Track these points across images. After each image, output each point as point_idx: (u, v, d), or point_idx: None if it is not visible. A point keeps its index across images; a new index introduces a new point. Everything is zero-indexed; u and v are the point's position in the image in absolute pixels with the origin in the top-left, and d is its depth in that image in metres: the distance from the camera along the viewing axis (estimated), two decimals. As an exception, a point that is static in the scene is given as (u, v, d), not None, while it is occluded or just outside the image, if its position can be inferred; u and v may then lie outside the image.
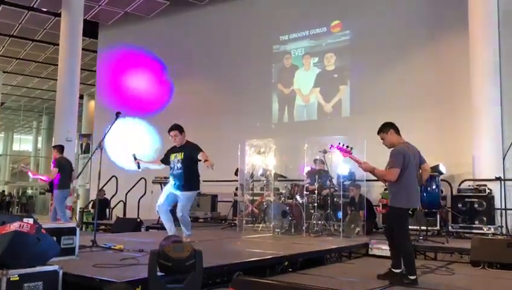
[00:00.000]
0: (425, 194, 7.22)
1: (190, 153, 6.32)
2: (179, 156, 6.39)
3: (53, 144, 11.61)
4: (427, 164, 4.91)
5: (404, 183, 4.57)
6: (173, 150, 6.53)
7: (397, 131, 4.83)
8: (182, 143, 6.43)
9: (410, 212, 4.84)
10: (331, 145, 5.18)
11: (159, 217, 7.28)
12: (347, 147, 5.01)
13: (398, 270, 4.61)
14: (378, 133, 4.89)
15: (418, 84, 9.94)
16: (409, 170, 4.58)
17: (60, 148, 8.59)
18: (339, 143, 5.10)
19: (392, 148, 4.75)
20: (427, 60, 9.99)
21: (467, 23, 8.74)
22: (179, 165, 6.34)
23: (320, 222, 8.08)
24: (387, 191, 8.40)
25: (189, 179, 6.32)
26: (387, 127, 4.83)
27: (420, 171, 4.80)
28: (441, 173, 8.02)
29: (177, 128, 6.43)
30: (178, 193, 6.34)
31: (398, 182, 4.57)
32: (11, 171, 34.53)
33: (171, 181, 6.43)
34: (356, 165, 4.99)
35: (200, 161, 6.23)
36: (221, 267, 4.47)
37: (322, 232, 7.93)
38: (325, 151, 8.24)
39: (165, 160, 6.60)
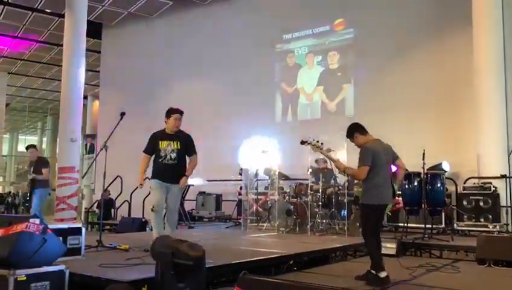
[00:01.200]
0: (430, 192, 7.22)
1: (186, 145, 5.71)
2: (174, 145, 5.63)
3: (57, 145, 11.68)
4: (401, 161, 4.87)
5: (374, 180, 4.57)
6: (163, 136, 5.70)
7: (362, 132, 4.82)
8: (177, 129, 5.74)
9: (388, 212, 4.83)
10: (302, 141, 5.26)
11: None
12: (317, 141, 5.05)
13: (383, 274, 4.47)
14: (347, 137, 4.89)
15: (422, 81, 9.91)
16: (378, 167, 4.57)
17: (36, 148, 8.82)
18: (309, 137, 5.12)
19: (360, 149, 4.73)
20: (430, 57, 9.96)
21: (471, 20, 8.71)
22: (173, 155, 5.61)
23: (324, 221, 8.08)
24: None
25: (183, 171, 5.67)
26: (352, 133, 4.83)
27: (394, 168, 4.78)
28: (445, 171, 8.00)
29: (182, 113, 5.78)
30: (169, 185, 5.61)
31: (368, 179, 4.58)
32: (16, 172, 34.70)
33: (161, 173, 5.61)
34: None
35: (190, 159, 5.72)
36: (227, 267, 4.49)
37: (327, 231, 7.93)
38: (328, 150, 8.20)
39: (151, 149, 5.76)
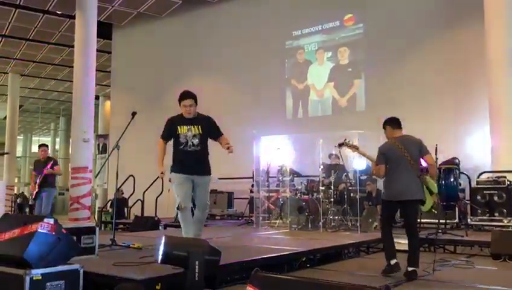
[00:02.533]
0: (443, 187, 7.16)
1: (209, 128, 5.20)
2: (195, 129, 5.11)
3: (70, 145, 11.79)
4: (429, 156, 4.86)
5: (389, 176, 4.78)
6: (181, 121, 5.19)
7: (393, 126, 4.97)
8: (194, 114, 5.25)
9: (433, 210, 4.93)
10: (339, 143, 5.64)
11: (176, 215, 6.26)
12: (353, 142, 5.52)
13: (393, 261, 4.64)
14: (383, 127, 5.10)
15: (434, 75, 9.82)
16: (392, 163, 4.73)
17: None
18: (345, 140, 5.54)
19: None
20: (442, 51, 9.86)
21: (482, 12, 8.59)
22: (196, 141, 5.06)
23: (337, 217, 8.05)
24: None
25: (207, 159, 5.18)
26: (384, 125, 5.05)
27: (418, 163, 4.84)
28: (458, 165, 7.93)
29: (194, 96, 5.24)
30: (195, 177, 5.05)
31: (386, 176, 4.81)
32: (30, 173, 35.06)
33: (184, 164, 5.06)
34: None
35: (219, 141, 5.19)
36: (239, 264, 4.49)
37: (339, 228, 7.91)
38: (340, 146, 8.19)
39: (167, 134, 5.22)
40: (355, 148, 5.35)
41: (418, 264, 4.56)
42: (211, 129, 5.22)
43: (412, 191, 4.65)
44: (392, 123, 4.99)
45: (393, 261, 4.60)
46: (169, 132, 5.20)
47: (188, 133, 5.09)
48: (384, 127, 5.05)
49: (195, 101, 5.20)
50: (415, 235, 4.76)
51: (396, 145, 4.75)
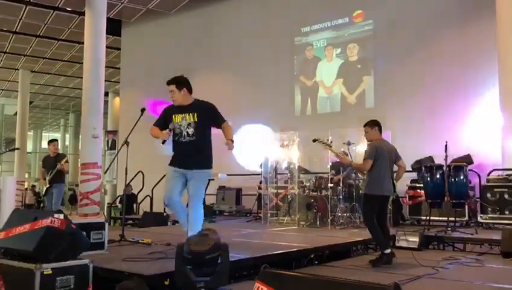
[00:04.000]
0: (452, 185, 7.11)
1: (208, 115, 4.72)
2: (190, 117, 4.66)
3: (80, 141, 11.86)
4: (402, 161, 5.55)
5: (377, 173, 5.21)
6: (176, 109, 4.78)
7: (380, 130, 5.48)
8: (187, 102, 4.75)
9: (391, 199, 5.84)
10: (314, 140, 5.99)
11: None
12: (327, 140, 6.03)
13: (388, 251, 5.07)
14: (365, 125, 5.52)
15: (444, 72, 9.74)
16: (380, 161, 5.21)
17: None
18: (320, 137, 5.94)
19: (368, 145, 5.43)
20: (452, 47, 9.77)
21: (493, 8, 8.50)
22: (190, 130, 4.64)
23: (345, 214, 8.03)
24: (413, 184, 8.44)
25: (205, 150, 4.72)
26: (374, 125, 5.46)
27: (396, 167, 5.47)
28: (465, 163, 7.87)
29: (176, 81, 4.76)
30: (187, 172, 4.66)
31: (372, 172, 5.22)
32: (40, 168, 35.29)
33: (177, 156, 4.74)
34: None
35: (222, 130, 4.70)
36: (248, 260, 4.50)
37: (348, 225, 7.89)
38: (349, 143, 8.19)
39: (162, 123, 4.81)
40: (328, 145, 5.87)
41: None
42: (209, 116, 4.71)
43: (392, 188, 5.36)
44: (380, 127, 5.48)
45: (388, 251, 5.04)
46: (164, 120, 4.82)
47: (183, 122, 4.68)
48: (370, 126, 5.45)
49: (178, 86, 4.73)
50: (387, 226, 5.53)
51: (384, 146, 5.36)
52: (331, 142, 5.99)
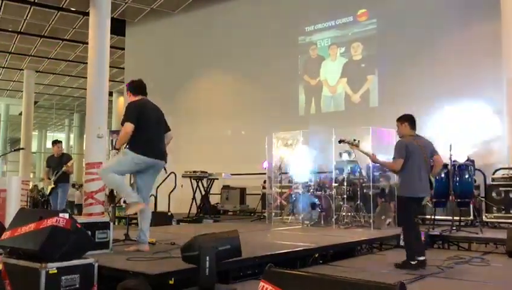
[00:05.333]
0: (457, 184, 7.09)
1: None
2: None
3: (84, 141, 11.89)
4: (439, 156, 5.14)
5: (409, 173, 4.86)
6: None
7: (412, 125, 5.08)
8: None
9: (428, 203, 5.19)
10: (340, 140, 5.91)
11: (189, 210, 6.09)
12: (354, 140, 5.72)
13: (414, 262, 4.75)
14: (397, 121, 5.17)
15: (448, 71, 9.70)
16: (412, 160, 4.85)
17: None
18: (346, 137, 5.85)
19: (398, 140, 5.10)
20: (456, 46, 9.73)
21: (498, 7, 8.47)
22: None
23: (350, 214, 8.02)
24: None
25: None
26: (404, 120, 5.10)
27: (432, 162, 5.05)
28: (471, 162, 7.84)
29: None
30: None
31: (403, 173, 4.90)
32: (45, 169, 35.41)
33: None
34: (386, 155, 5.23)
35: None
36: (252, 260, 4.50)
37: (352, 224, 7.87)
38: (340, 142, 8.16)
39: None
40: (355, 146, 5.67)
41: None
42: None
43: (428, 188, 4.98)
44: (412, 122, 5.08)
45: (422, 258, 4.74)
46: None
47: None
48: (400, 121, 5.10)
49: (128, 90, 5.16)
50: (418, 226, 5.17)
51: (416, 143, 4.93)
52: (358, 141, 5.72)
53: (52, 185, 8.36)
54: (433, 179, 5.08)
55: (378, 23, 10.98)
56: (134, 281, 3.39)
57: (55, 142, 8.88)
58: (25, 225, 3.63)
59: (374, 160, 5.41)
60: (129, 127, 4.68)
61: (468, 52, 9.52)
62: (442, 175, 7.23)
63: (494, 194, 7.72)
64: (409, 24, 10.42)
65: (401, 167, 4.86)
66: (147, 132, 4.81)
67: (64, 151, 9.28)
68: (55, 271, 3.33)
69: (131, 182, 5.26)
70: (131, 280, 3.46)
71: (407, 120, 5.08)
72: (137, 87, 5.09)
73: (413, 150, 4.86)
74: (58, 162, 8.46)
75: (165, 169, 5.18)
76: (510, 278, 4.75)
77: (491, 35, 8.80)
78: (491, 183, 7.91)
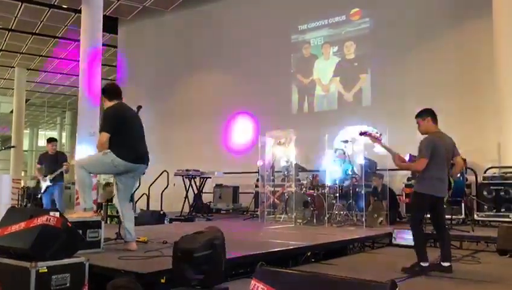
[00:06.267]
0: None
1: None
2: None
3: (77, 139, 11.82)
4: (459, 157, 4.88)
5: (432, 171, 4.58)
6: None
7: (435, 120, 4.79)
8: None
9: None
10: (361, 132, 5.22)
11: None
12: (376, 132, 5.10)
13: (425, 264, 4.57)
14: (416, 117, 4.87)
15: (441, 70, 9.75)
16: (436, 159, 4.57)
17: None
18: (369, 129, 5.23)
19: (422, 138, 4.72)
20: (449, 46, 9.78)
21: (491, 6, 8.51)
22: None
23: (342, 212, 8.04)
24: (410, 182, 8.43)
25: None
26: (426, 114, 4.80)
27: (452, 163, 4.78)
28: (464, 161, 7.88)
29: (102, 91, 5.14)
30: None
31: (426, 170, 4.58)
32: (36, 167, 35.21)
33: None
34: (380, 154, 5.00)
35: None
36: (244, 258, 4.50)
37: (345, 223, 7.89)
38: (346, 141, 8.19)
39: None
40: (377, 139, 5.02)
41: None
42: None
43: (446, 189, 4.75)
44: (434, 116, 4.79)
45: (426, 264, 4.55)
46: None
47: None
48: (422, 117, 4.79)
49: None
50: (447, 230, 4.97)
51: (441, 140, 4.69)
52: (381, 135, 5.08)
53: (49, 183, 8.26)
54: (452, 180, 4.85)
55: (371, 23, 11.01)
56: (124, 280, 3.36)
57: (51, 140, 8.78)
58: (15, 224, 3.59)
59: (397, 162, 4.82)
60: (104, 136, 4.67)
61: (460, 50, 9.57)
62: (458, 176, 7.19)
63: (485, 193, 7.78)
64: (401, 23, 10.45)
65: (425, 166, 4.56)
66: (128, 135, 4.80)
67: (67, 150, 9.23)
68: (46, 270, 3.29)
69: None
70: (121, 278, 3.44)
71: (430, 114, 4.77)
72: (112, 92, 5.05)
73: (438, 149, 4.60)
74: (53, 160, 8.36)
75: (143, 173, 5.16)
76: (501, 276, 4.78)
77: (484, 34, 8.84)
78: (482, 182, 7.96)
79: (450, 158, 4.75)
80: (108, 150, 4.70)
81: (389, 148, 4.95)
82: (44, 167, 8.41)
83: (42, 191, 8.42)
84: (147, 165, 5.01)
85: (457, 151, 4.85)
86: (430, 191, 4.63)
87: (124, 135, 4.76)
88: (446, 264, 4.58)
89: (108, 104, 4.98)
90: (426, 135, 4.72)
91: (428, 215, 5.04)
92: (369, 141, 5.28)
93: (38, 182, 8.64)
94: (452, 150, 4.78)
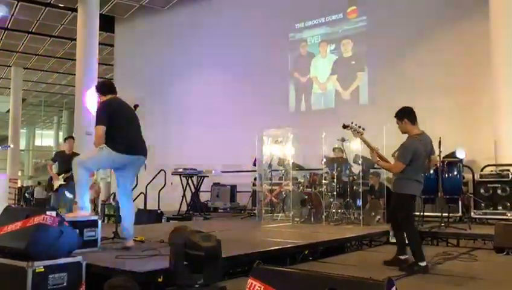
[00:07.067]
0: (446, 181, 7.13)
1: None
2: None
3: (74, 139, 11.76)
4: (436, 155, 5.08)
5: (412, 173, 4.66)
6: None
7: (412, 120, 4.79)
8: None
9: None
10: (344, 125, 5.23)
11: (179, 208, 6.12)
12: (359, 127, 5.11)
13: (403, 257, 4.72)
14: (395, 117, 4.89)
15: (438, 68, 9.76)
16: (415, 163, 4.64)
17: None
18: (352, 122, 5.16)
19: (405, 140, 4.76)
20: (446, 44, 9.79)
21: (487, 5, 8.52)
22: None
23: (340, 211, 8.05)
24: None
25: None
26: (402, 116, 4.81)
27: (428, 161, 4.87)
28: (460, 159, 7.89)
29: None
30: None
31: (406, 171, 4.66)
32: (34, 166, 35.20)
33: None
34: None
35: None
36: (242, 257, 4.49)
37: (342, 221, 7.90)
38: (343, 140, 8.19)
39: None
40: (359, 133, 5.03)
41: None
42: None
43: (421, 188, 4.84)
44: (411, 116, 4.79)
45: (424, 263, 4.54)
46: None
47: None
48: (399, 118, 4.81)
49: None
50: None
51: (421, 144, 4.70)
52: (363, 129, 5.09)
53: (62, 182, 8.15)
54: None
55: (368, 21, 11.01)
56: (121, 279, 3.36)
57: (68, 138, 8.64)
58: (12, 223, 3.58)
59: (374, 158, 4.86)
60: (100, 129, 4.63)
61: (457, 49, 9.58)
62: (431, 171, 7.27)
63: (482, 191, 7.79)
64: (398, 21, 10.46)
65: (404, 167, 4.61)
66: (124, 128, 4.77)
67: (57, 149, 9.15)
68: (43, 270, 3.28)
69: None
70: (118, 278, 3.43)
71: (406, 116, 4.76)
72: (105, 87, 5.02)
73: (418, 152, 4.63)
74: (69, 160, 8.22)
75: (145, 166, 5.14)
76: (498, 273, 4.79)
77: (481, 31, 8.85)
78: (479, 179, 7.98)
79: (427, 158, 4.83)
80: (104, 145, 4.67)
81: (368, 143, 4.97)
82: (58, 165, 8.27)
83: (54, 189, 8.26)
84: (145, 156, 4.97)
85: (434, 150, 4.96)
86: (411, 191, 4.73)
87: (120, 128, 4.72)
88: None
89: (103, 98, 4.95)
90: (407, 135, 4.77)
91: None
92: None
93: (50, 179, 8.47)
94: (430, 149, 4.86)
